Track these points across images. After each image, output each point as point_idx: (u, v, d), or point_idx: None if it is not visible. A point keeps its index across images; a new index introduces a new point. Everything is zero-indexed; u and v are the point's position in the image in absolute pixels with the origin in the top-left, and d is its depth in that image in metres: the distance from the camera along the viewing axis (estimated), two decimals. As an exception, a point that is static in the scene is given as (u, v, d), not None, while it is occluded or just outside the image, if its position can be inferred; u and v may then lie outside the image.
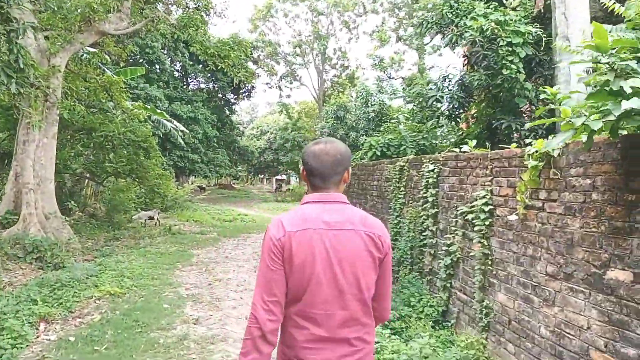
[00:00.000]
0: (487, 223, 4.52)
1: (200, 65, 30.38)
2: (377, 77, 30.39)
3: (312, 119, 38.76)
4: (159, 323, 5.28)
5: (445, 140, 11.29)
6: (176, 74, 30.67)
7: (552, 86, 4.38)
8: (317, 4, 36.30)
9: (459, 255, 5.16)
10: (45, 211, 9.61)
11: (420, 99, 12.19)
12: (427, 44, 33.58)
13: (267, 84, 39.90)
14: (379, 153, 9.23)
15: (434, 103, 8.92)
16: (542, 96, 7.57)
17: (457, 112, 8.65)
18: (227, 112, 35.58)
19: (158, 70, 27.27)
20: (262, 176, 58.34)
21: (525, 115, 8.25)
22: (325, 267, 1.68)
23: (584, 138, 3.24)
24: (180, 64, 30.17)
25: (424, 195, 6.11)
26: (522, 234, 4.01)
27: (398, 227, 7.16)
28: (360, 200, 9.24)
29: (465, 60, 9.32)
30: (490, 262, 4.50)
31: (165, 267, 8.44)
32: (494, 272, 4.44)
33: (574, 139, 3.29)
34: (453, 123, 10.01)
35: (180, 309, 5.92)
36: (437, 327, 5.27)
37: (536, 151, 3.77)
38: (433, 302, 5.58)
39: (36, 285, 6.27)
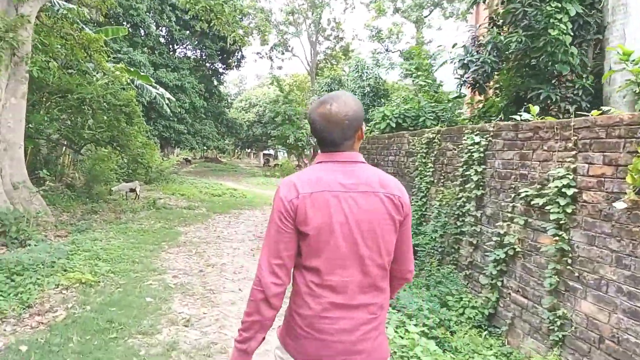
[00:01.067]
0: (568, 211, 3.51)
1: (188, 32, 28.74)
2: (373, 50, 29.13)
3: (304, 92, 37.44)
4: (140, 325, 4.20)
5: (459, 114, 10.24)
6: (162, 40, 28.93)
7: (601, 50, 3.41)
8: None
9: (517, 249, 4.15)
10: (13, 180, 8.44)
11: (429, 70, 11.10)
12: (427, 16, 32.43)
13: (257, 53, 38.26)
14: (393, 124, 8.16)
15: (458, 70, 7.85)
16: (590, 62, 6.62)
17: (486, 80, 7.57)
18: (215, 82, 33.98)
19: (143, 34, 25.58)
20: (249, 150, 56.90)
21: (563, 85, 7.27)
22: (345, 232, 1.55)
23: None
24: (167, 28, 28.41)
25: (465, 173, 5.07)
26: (631, 227, 3.01)
27: (424, 209, 6.15)
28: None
29: (490, 22, 8.27)
30: (569, 261, 3.51)
31: (149, 248, 7.33)
32: (576, 274, 3.45)
33: None
34: (476, 94, 9.00)
35: (166, 304, 4.83)
36: (481, 334, 4.32)
37: (664, 116, 2.74)
38: (476, 302, 4.61)
39: (-8, 269, 5.18)
